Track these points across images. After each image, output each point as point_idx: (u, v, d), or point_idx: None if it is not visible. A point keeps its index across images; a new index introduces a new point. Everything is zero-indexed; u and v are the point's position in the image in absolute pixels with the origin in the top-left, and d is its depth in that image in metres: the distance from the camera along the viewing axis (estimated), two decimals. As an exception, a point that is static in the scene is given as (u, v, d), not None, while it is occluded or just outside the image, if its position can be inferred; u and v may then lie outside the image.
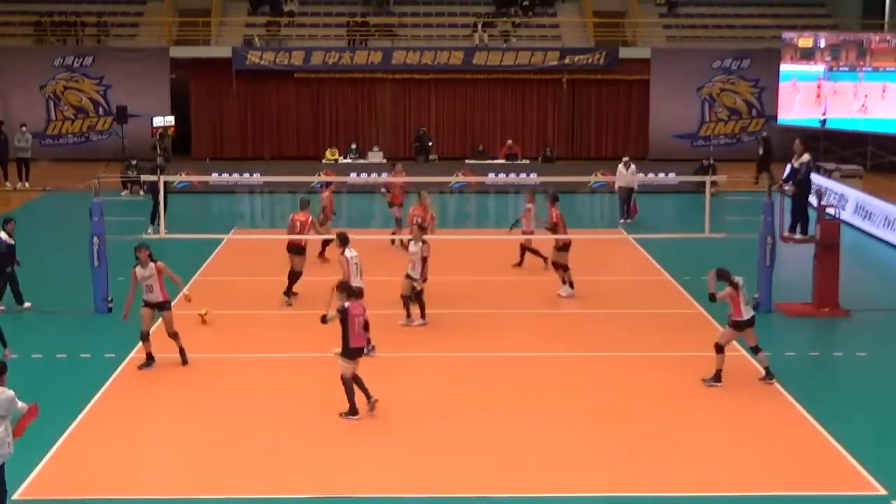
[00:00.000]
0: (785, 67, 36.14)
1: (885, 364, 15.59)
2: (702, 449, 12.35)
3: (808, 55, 35.59)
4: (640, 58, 37.76)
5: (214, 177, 30.66)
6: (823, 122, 35.23)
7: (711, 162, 30.92)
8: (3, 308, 17.71)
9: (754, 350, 14.55)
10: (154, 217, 23.68)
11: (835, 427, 12.79)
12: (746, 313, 14.26)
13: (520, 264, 21.09)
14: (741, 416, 13.33)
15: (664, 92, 37.59)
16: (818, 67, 35.43)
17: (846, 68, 34.87)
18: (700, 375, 14.56)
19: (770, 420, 13.18)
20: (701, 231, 19.64)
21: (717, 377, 14.35)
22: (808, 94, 35.73)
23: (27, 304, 18.22)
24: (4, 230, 18.01)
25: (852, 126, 34.97)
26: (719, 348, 14.39)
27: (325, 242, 21.21)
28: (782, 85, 36.32)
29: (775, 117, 36.83)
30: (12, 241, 18.05)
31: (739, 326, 14.33)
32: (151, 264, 14.85)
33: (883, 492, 11.11)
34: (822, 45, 35.57)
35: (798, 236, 18.95)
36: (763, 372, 14.52)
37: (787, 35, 36.35)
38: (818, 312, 17.94)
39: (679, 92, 37.66)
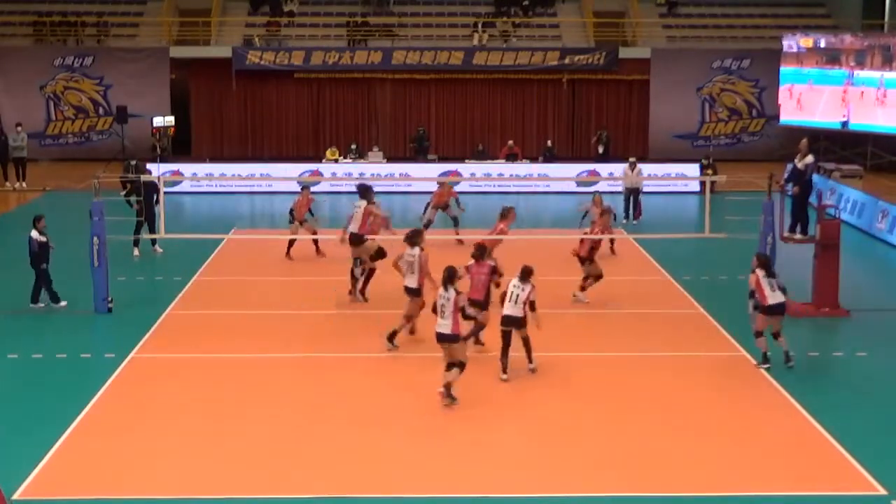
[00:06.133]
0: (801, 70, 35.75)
1: (885, 364, 15.58)
2: (701, 449, 12.33)
3: (834, 59, 35.16)
4: (640, 58, 37.75)
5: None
6: (845, 123, 35.07)
7: (711, 161, 30.85)
8: (42, 305, 17.93)
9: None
10: (139, 229, 21.97)
11: (835, 427, 12.78)
12: (773, 298, 14.84)
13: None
14: (741, 415, 13.32)
15: (664, 92, 37.57)
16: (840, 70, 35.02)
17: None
18: (700, 375, 14.55)
19: (770, 420, 13.17)
20: (701, 231, 19.61)
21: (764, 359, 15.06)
22: (834, 97, 35.16)
23: (63, 303, 18.04)
24: (36, 228, 17.80)
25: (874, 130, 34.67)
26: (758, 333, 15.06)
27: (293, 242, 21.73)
28: (798, 87, 35.99)
29: (776, 117, 36.85)
30: (44, 239, 17.85)
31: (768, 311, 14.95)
32: None
33: (883, 492, 11.10)
34: (822, 45, 35.49)
35: (798, 236, 18.95)
36: None
37: (787, 42, 36.15)
38: (818, 312, 17.93)
39: (679, 92, 37.63)
